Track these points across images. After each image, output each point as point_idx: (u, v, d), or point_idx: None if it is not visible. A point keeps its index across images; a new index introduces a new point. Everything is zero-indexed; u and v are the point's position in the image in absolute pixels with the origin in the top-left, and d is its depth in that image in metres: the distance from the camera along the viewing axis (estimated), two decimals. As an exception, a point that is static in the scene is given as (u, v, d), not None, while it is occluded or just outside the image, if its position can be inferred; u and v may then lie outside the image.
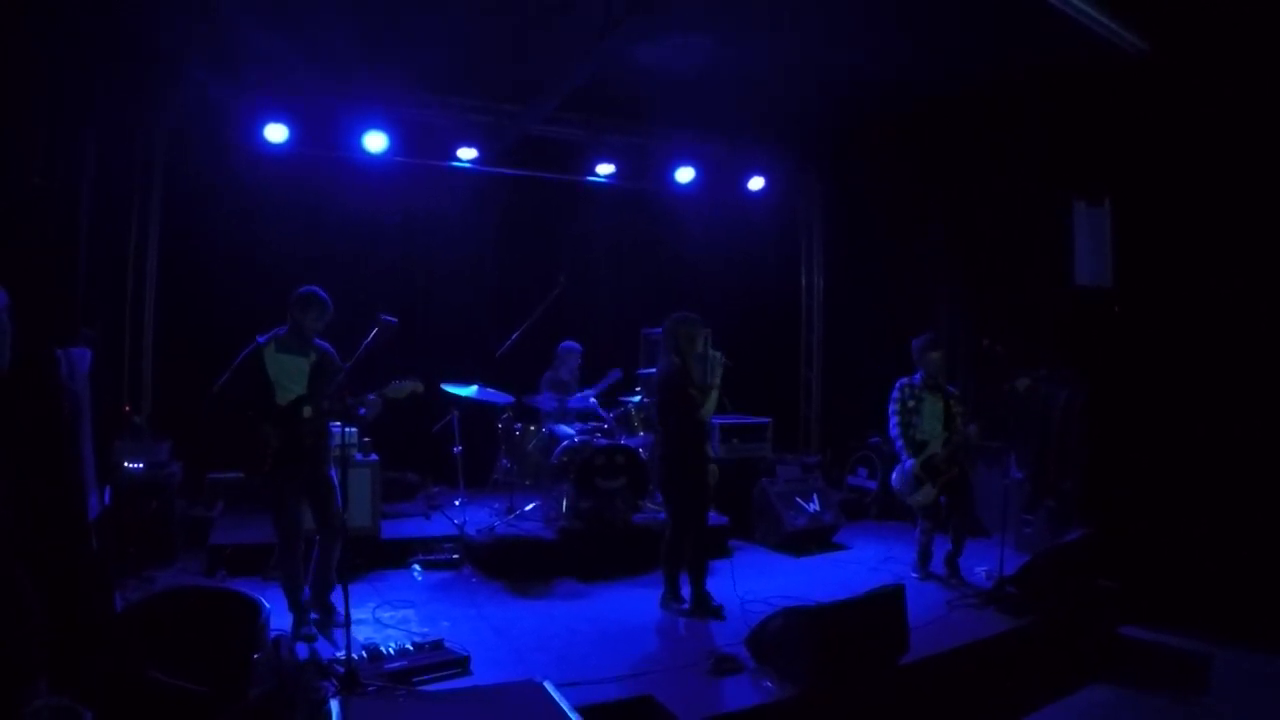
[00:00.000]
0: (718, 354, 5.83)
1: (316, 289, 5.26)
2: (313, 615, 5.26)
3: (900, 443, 6.73)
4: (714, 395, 5.83)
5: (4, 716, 2.28)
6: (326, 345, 5.35)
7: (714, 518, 7.74)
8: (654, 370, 6.95)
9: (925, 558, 6.87)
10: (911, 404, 6.71)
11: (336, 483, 5.18)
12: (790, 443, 10.79)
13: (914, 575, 6.79)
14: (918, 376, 6.75)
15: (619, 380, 8.21)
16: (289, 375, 5.15)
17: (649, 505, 7.59)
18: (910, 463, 6.64)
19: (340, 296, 5.54)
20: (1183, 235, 6.80)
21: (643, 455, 7.37)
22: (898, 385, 6.81)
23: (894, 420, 6.77)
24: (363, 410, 5.08)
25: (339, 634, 4.89)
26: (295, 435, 5.07)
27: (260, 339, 5.18)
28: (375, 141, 8.12)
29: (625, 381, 8.45)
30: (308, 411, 5.09)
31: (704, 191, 10.02)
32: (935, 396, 6.69)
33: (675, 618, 5.81)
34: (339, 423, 4.99)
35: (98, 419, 4.93)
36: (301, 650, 4.76)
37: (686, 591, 5.97)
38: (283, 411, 5.09)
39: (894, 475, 6.86)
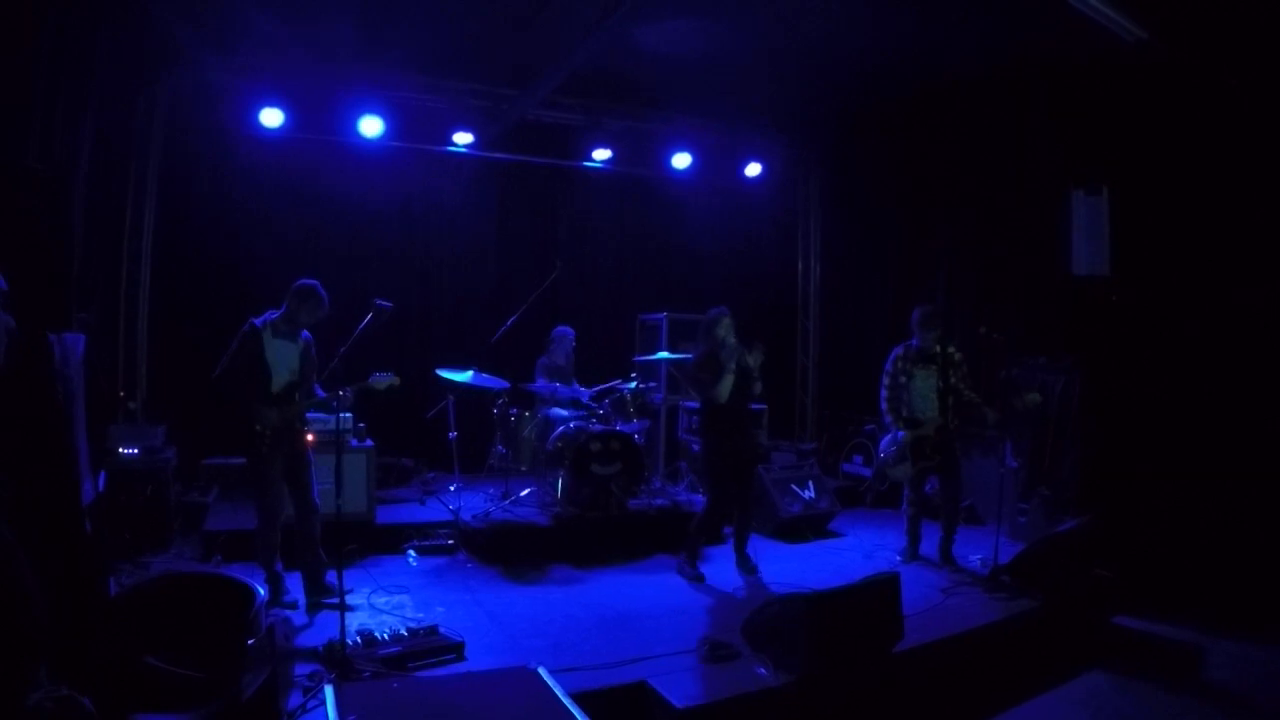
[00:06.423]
0: (734, 343, 6.21)
1: (316, 284, 5.41)
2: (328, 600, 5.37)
3: (889, 418, 6.76)
4: (728, 379, 6.18)
5: (7, 704, 2.27)
6: (307, 335, 5.56)
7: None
8: (662, 355, 8.10)
9: (914, 542, 6.91)
10: (903, 379, 6.68)
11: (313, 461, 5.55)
12: (786, 430, 10.81)
13: (898, 559, 6.84)
14: (914, 342, 6.69)
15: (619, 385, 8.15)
16: (282, 360, 5.37)
17: (644, 491, 7.60)
18: (902, 434, 6.66)
19: (336, 282, 5.62)
20: (1180, 224, 6.82)
21: (638, 440, 7.38)
22: (891, 356, 6.79)
23: (883, 394, 6.79)
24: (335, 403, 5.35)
25: (333, 618, 4.87)
26: (286, 417, 5.35)
27: (256, 321, 5.33)
28: (371, 126, 8.08)
29: (622, 369, 8.42)
30: (300, 399, 5.40)
31: (701, 177, 9.98)
32: (928, 371, 6.59)
33: (670, 603, 5.82)
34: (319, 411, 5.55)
35: (92, 405, 4.91)
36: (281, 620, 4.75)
37: (704, 567, 6.47)
38: (276, 396, 5.31)
39: (883, 441, 6.94)
